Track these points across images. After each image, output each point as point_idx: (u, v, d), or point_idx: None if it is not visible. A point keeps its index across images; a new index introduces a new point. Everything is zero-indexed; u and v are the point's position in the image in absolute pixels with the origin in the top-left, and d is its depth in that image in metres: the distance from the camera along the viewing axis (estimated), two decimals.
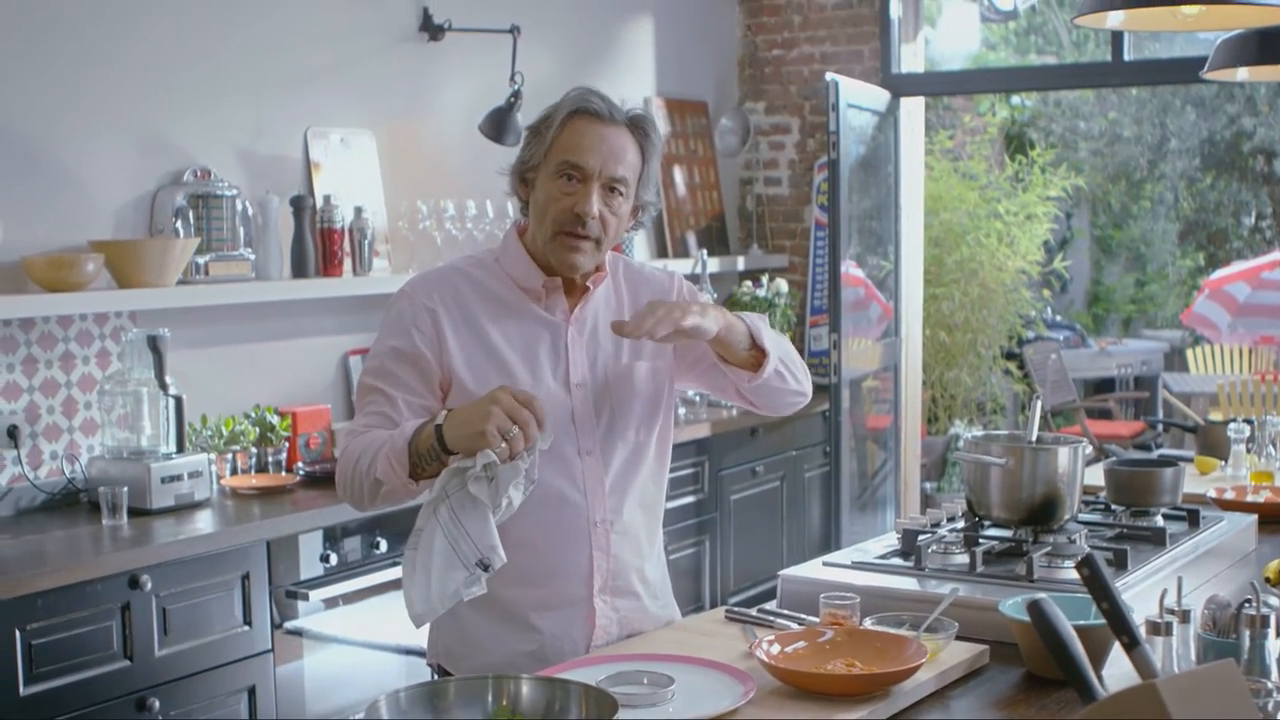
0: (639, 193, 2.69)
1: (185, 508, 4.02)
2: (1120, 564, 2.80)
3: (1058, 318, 13.69)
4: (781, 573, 2.89)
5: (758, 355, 2.65)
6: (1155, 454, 4.48)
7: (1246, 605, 2.13)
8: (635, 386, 2.74)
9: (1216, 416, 7.67)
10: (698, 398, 6.01)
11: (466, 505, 2.33)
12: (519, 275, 2.70)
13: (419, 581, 2.33)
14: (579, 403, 2.68)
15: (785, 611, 2.70)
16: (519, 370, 2.64)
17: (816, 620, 2.56)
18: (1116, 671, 2.26)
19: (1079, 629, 1.99)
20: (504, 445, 2.30)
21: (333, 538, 4.08)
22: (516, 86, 5.22)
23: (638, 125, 2.66)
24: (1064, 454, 2.92)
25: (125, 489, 3.88)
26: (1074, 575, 2.50)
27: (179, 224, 4.31)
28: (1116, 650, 2.17)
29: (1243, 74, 3.87)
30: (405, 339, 2.64)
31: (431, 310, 2.65)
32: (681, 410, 5.83)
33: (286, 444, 4.55)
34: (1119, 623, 1.96)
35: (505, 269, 2.72)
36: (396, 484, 2.49)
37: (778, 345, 2.70)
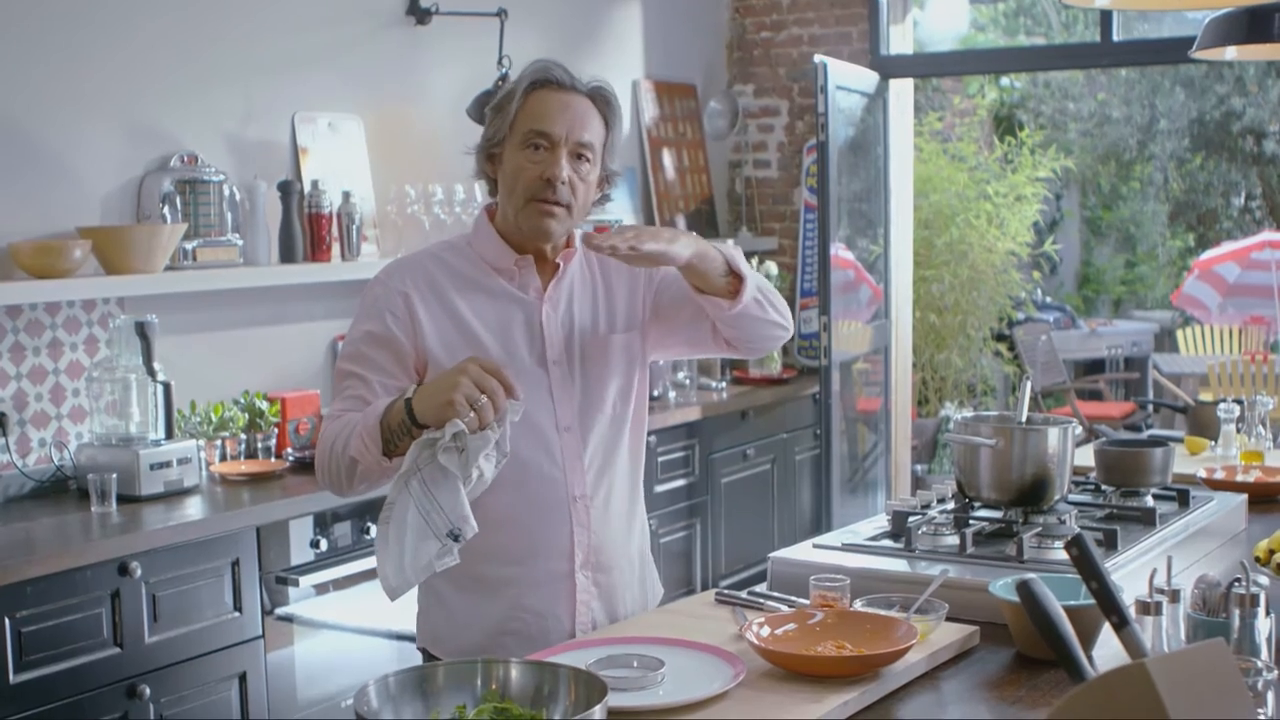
0: (604, 161, 2.70)
1: (174, 494, 4.01)
2: (1110, 544, 2.81)
3: (1048, 299, 13.69)
4: (772, 555, 2.88)
5: (734, 282, 2.63)
6: (1145, 434, 4.48)
7: (1236, 584, 2.13)
8: (610, 361, 2.75)
9: (1206, 397, 7.66)
10: (688, 380, 6.01)
11: (437, 477, 2.32)
12: (491, 256, 2.72)
13: (392, 554, 2.33)
14: (556, 379, 2.69)
15: (775, 594, 2.70)
16: (494, 349, 2.65)
17: (807, 602, 2.56)
18: (1107, 652, 2.26)
19: (1069, 609, 1.99)
20: (472, 415, 2.30)
21: (323, 523, 4.07)
22: (504, 70, 5.21)
23: (599, 95, 2.68)
24: (1054, 434, 2.92)
25: (114, 476, 3.87)
26: (1064, 556, 2.50)
27: (166, 210, 4.30)
28: (1107, 630, 2.17)
29: (1231, 53, 3.86)
30: (379, 323, 2.66)
31: (404, 294, 2.66)
32: (672, 394, 5.83)
33: (275, 430, 4.54)
34: (1108, 602, 1.96)
35: (477, 250, 2.74)
36: (370, 462, 2.49)
37: (754, 275, 2.69)
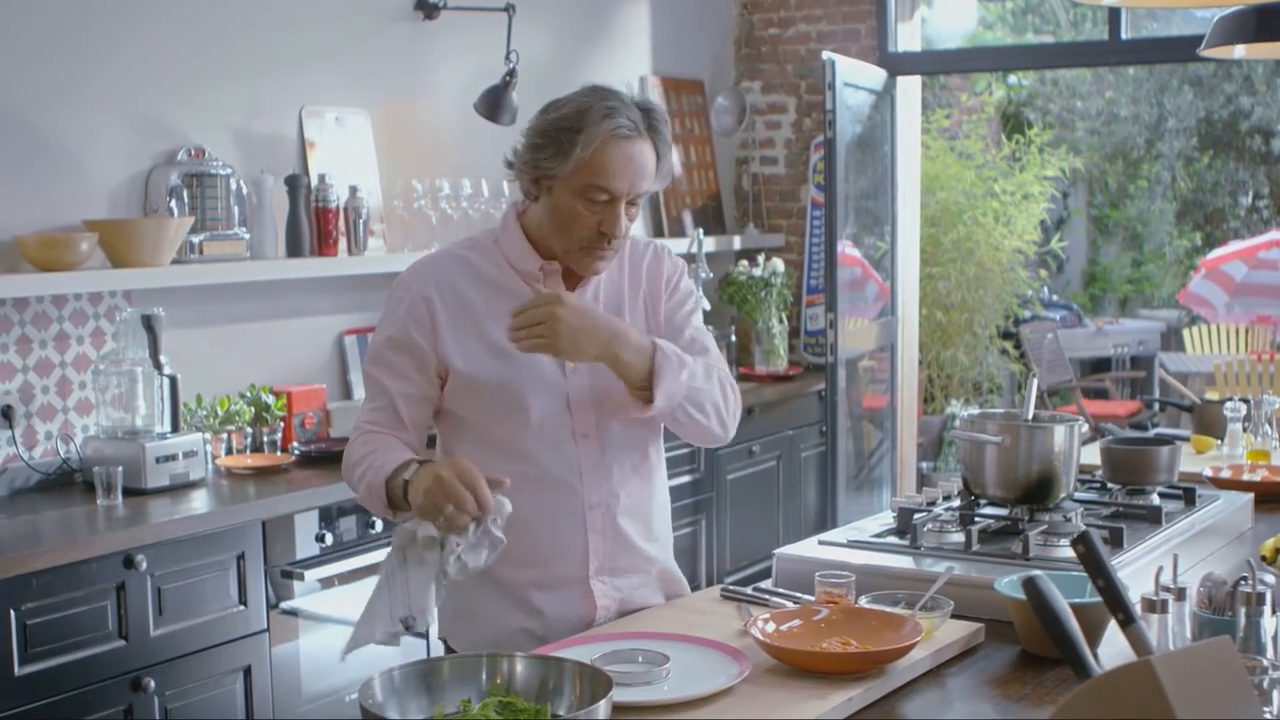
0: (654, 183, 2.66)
1: (180, 487, 4.01)
2: (1116, 542, 2.80)
3: (1054, 297, 13.69)
4: (777, 551, 2.89)
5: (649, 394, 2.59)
6: (1151, 433, 4.48)
7: (1242, 583, 2.13)
8: None
9: (1213, 396, 7.65)
10: None
11: (422, 560, 2.34)
12: (516, 258, 2.69)
13: (362, 614, 2.36)
14: (574, 387, 2.67)
15: (781, 590, 2.70)
16: (515, 355, 2.62)
17: (812, 599, 2.56)
18: (1112, 650, 2.25)
19: (1074, 606, 1.99)
20: (443, 520, 2.31)
21: (328, 517, 4.07)
22: (512, 65, 5.20)
23: (653, 127, 2.60)
24: (1060, 432, 2.92)
25: (120, 469, 3.87)
26: (1070, 553, 2.50)
27: (173, 203, 4.30)
28: (1113, 628, 2.17)
29: (1240, 51, 3.86)
30: (401, 329, 2.67)
31: (427, 299, 2.65)
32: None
33: (282, 424, 4.54)
34: (1114, 600, 1.96)
35: (503, 251, 2.71)
36: (377, 510, 2.57)
37: (690, 391, 2.63)
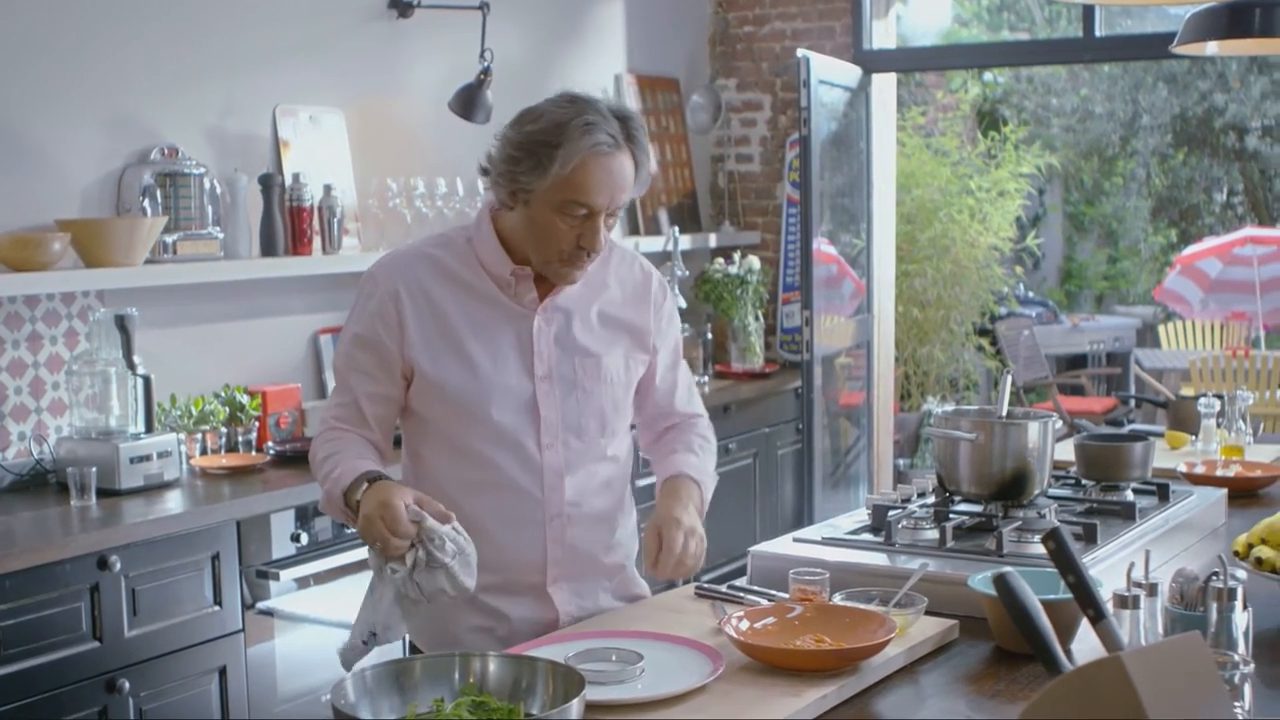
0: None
1: (154, 488, 3.99)
2: (1090, 538, 2.81)
3: (1030, 294, 13.72)
4: (751, 549, 2.89)
5: None
6: (1126, 429, 4.49)
7: (1214, 578, 2.13)
8: (604, 378, 2.71)
9: (1187, 392, 7.69)
10: None
11: (387, 579, 2.40)
12: (488, 261, 2.66)
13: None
14: (542, 395, 2.65)
15: (755, 588, 2.70)
16: (481, 361, 2.62)
17: (786, 596, 2.56)
18: (1085, 646, 2.26)
19: (1046, 603, 2.00)
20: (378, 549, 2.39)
21: (304, 517, 4.06)
22: (486, 64, 5.20)
23: (631, 137, 2.56)
24: (1033, 429, 2.93)
25: (94, 469, 3.86)
26: (1043, 550, 2.50)
27: (146, 203, 4.28)
28: (1086, 625, 2.18)
29: (1212, 48, 3.87)
30: (368, 326, 2.65)
31: (395, 296, 2.63)
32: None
33: (256, 423, 4.53)
34: (1085, 595, 1.96)
35: (476, 251, 2.68)
36: (337, 518, 2.63)
37: (712, 476, 2.91)
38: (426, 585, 2.36)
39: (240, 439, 4.48)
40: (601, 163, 2.51)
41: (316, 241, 4.77)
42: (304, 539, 4.05)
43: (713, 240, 6.80)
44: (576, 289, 2.70)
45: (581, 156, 2.49)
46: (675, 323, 2.87)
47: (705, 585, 2.74)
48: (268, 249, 4.65)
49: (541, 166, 2.50)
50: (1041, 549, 2.65)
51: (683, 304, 6.12)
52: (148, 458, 4.00)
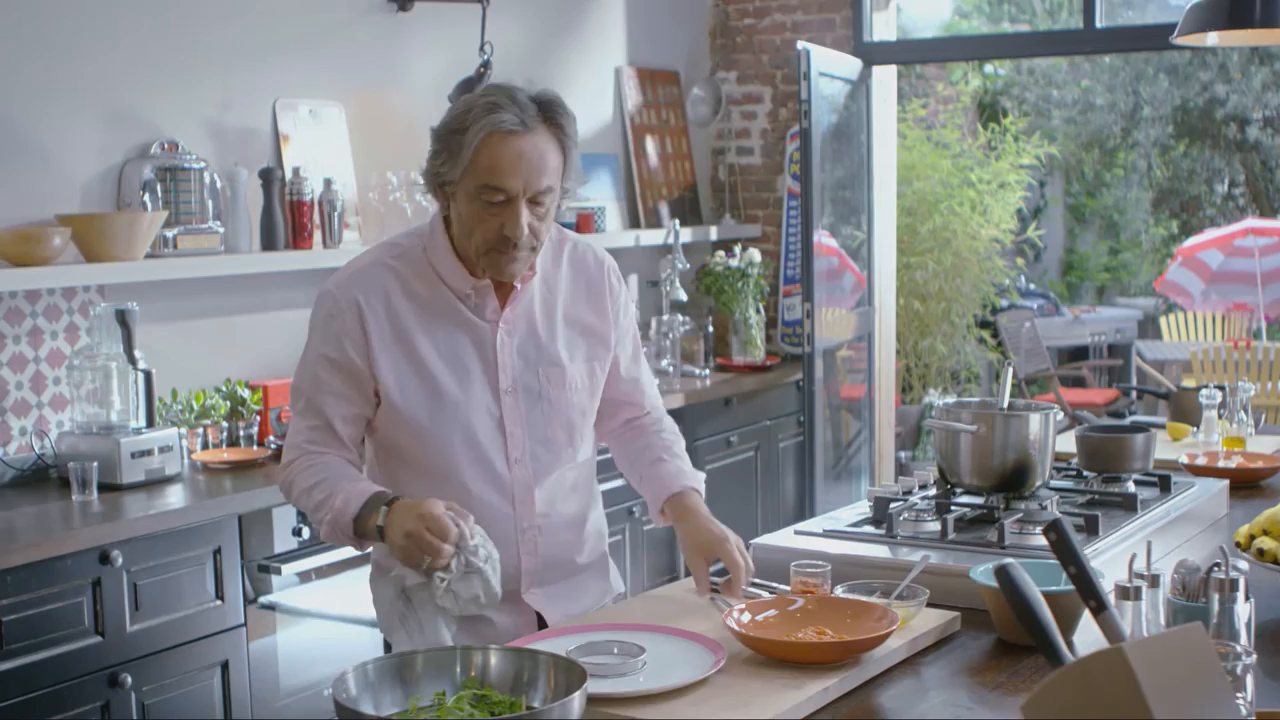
0: (564, 183, 2.58)
1: (156, 482, 4.00)
2: (1092, 530, 2.81)
3: (1031, 286, 13.72)
4: (753, 541, 2.89)
5: None
6: (1128, 420, 4.49)
7: (1216, 569, 2.13)
8: (569, 387, 2.71)
9: (1189, 383, 7.68)
10: (671, 368, 6.00)
11: (423, 601, 2.44)
12: (446, 273, 2.63)
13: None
14: (508, 409, 2.64)
15: (757, 580, 2.69)
16: (445, 381, 2.60)
17: (788, 589, 2.56)
18: (1087, 637, 2.26)
19: (1049, 595, 2.00)
20: (425, 566, 2.38)
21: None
22: (486, 56, 5.20)
23: (553, 121, 2.53)
24: (1035, 420, 2.93)
25: (95, 464, 3.86)
26: (1045, 541, 2.50)
27: (147, 197, 4.28)
28: (1088, 616, 2.17)
29: (1213, 39, 3.86)
30: (336, 346, 2.60)
31: (359, 310, 2.58)
32: (656, 380, 5.82)
33: (258, 418, 4.52)
34: (1086, 587, 1.96)
35: (432, 262, 2.64)
36: (343, 545, 2.60)
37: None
38: (463, 593, 2.37)
39: (241, 433, 4.48)
40: (508, 143, 2.47)
41: (317, 235, 4.77)
42: (305, 533, 4.05)
43: (713, 233, 6.79)
44: (535, 292, 2.68)
45: (484, 136, 2.46)
46: (630, 310, 2.85)
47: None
48: (268, 243, 4.65)
49: (453, 154, 2.50)
50: (1043, 541, 2.66)
51: (683, 297, 6.13)
52: (149, 452, 4.00)
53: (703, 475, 2.85)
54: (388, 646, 2.74)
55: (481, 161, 2.48)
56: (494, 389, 2.63)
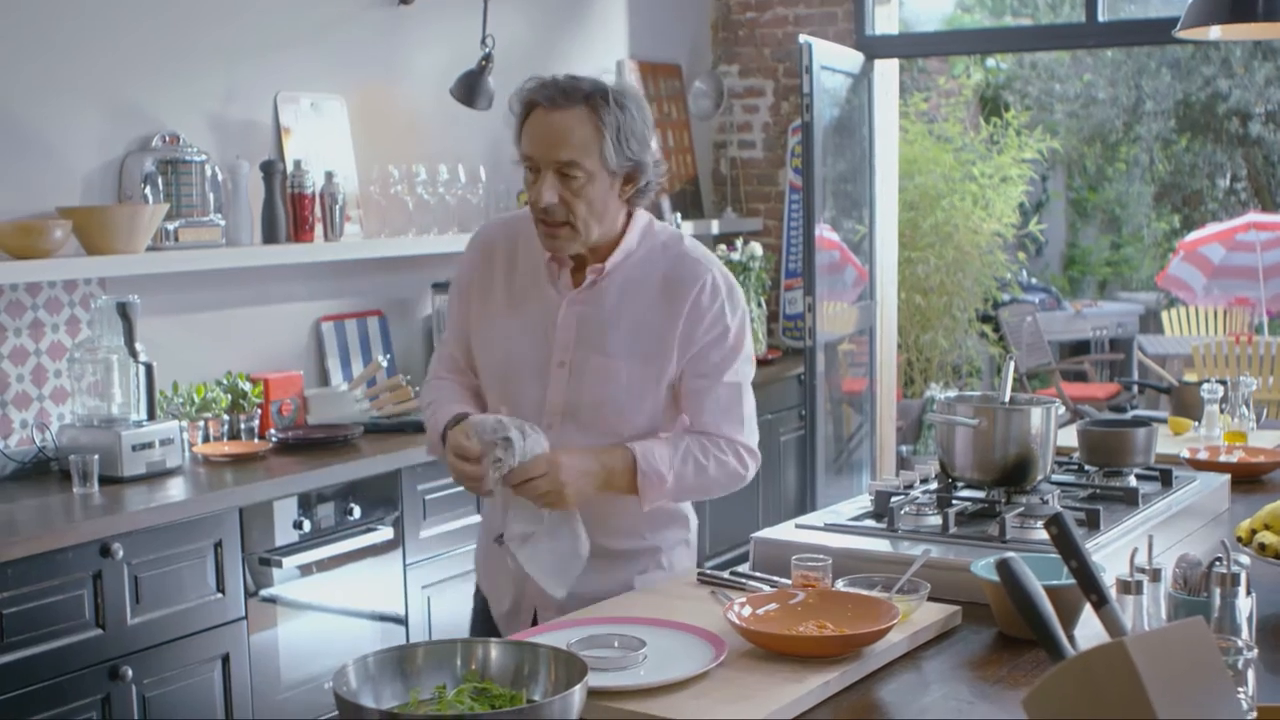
0: (605, 165, 2.64)
1: (157, 475, 3.99)
2: (1093, 524, 2.81)
3: (1033, 280, 13.71)
4: (754, 535, 2.89)
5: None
6: (1129, 415, 4.49)
7: (1217, 564, 2.13)
8: (614, 381, 2.73)
9: (1191, 378, 7.68)
10: None
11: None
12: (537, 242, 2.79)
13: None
14: (554, 381, 2.74)
15: (757, 574, 2.70)
16: (508, 336, 2.78)
17: (788, 582, 2.55)
18: (1089, 631, 2.26)
19: (1050, 589, 1.99)
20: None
21: (306, 504, 4.06)
22: (488, 50, 5.19)
23: (591, 100, 2.63)
24: (1036, 414, 2.92)
25: (96, 457, 3.85)
26: (1046, 535, 2.50)
27: (148, 190, 4.28)
28: (1089, 610, 2.17)
29: (1215, 32, 3.86)
30: (459, 279, 2.91)
31: (481, 255, 2.86)
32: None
33: (259, 411, 4.52)
34: (1087, 581, 1.96)
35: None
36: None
37: (680, 492, 2.80)
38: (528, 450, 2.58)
39: (242, 426, 4.48)
40: (538, 115, 2.66)
41: (318, 228, 4.76)
42: (306, 526, 4.05)
43: (715, 227, 6.79)
44: (616, 284, 2.75)
45: (521, 109, 2.69)
46: (715, 331, 2.77)
47: (708, 572, 2.74)
48: (269, 236, 4.64)
49: (515, 131, 2.72)
50: (1044, 535, 2.65)
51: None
52: (150, 445, 3.99)
53: (670, 472, 2.73)
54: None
55: (523, 135, 2.69)
56: (546, 358, 2.76)
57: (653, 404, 2.77)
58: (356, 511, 4.19)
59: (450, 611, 4.46)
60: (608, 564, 2.79)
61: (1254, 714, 1.87)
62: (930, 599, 2.46)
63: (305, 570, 4.04)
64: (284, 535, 4.01)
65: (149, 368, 4.09)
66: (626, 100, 2.67)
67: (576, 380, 2.73)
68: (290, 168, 4.71)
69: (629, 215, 2.77)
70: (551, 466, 2.59)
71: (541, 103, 2.64)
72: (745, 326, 2.82)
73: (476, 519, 4.55)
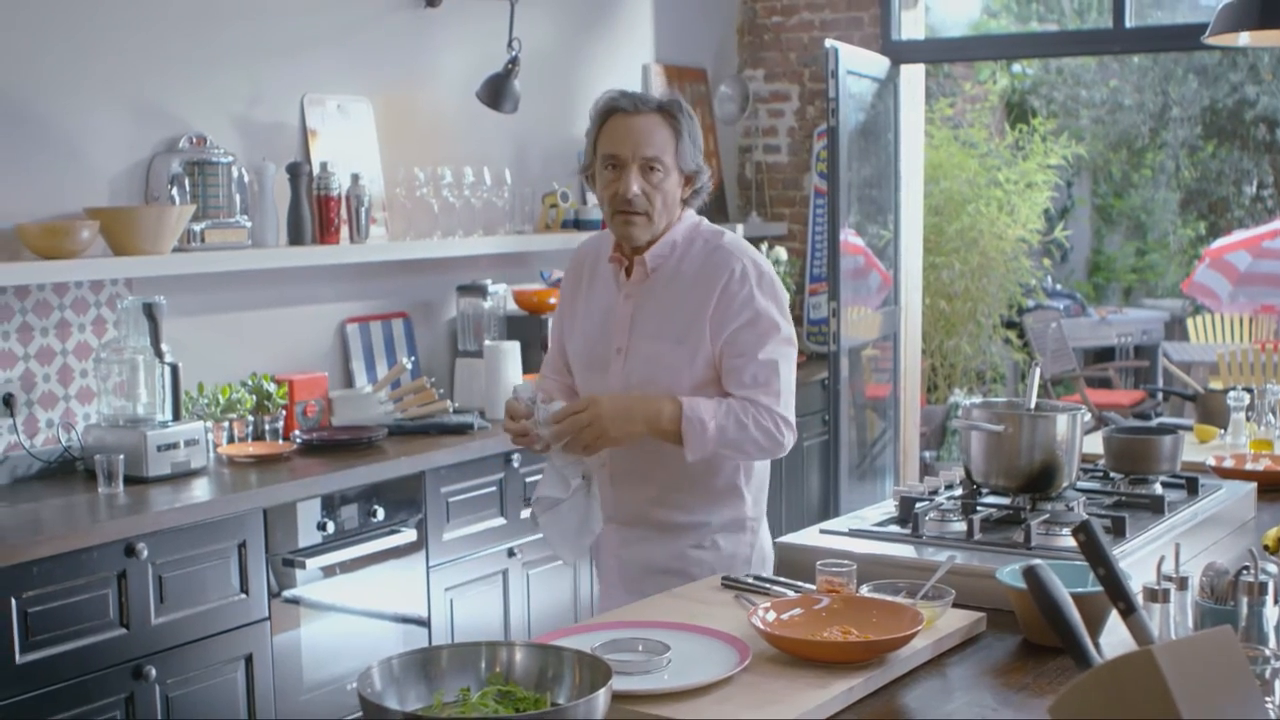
0: (680, 164, 3.06)
1: (181, 476, 4.00)
2: (1119, 531, 2.80)
3: (1058, 286, 13.67)
4: (778, 540, 2.89)
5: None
6: (1154, 422, 4.47)
7: (1244, 572, 2.12)
8: (660, 364, 3.05)
9: (1216, 385, 7.65)
10: None
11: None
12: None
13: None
14: (615, 366, 3.10)
15: (782, 579, 2.69)
16: (586, 329, 3.17)
17: (813, 588, 2.55)
18: (1114, 639, 2.25)
19: (1076, 596, 1.98)
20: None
21: (330, 506, 4.07)
22: (514, 53, 5.19)
23: (665, 109, 3.05)
24: (1062, 421, 2.92)
25: (121, 457, 3.87)
26: (1072, 543, 2.49)
27: (175, 191, 4.29)
28: (1115, 618, 2.17)
29: (1244, 39, 3.84)
30: (564, 282, 3.33)
31: (576, 266, 3.27)
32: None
33: (283, 412, 4.53)
34: (1115, 588, 1.95)
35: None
36: None
37: (720, 444, 2.98)
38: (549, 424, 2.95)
39: (267, 427, 4.48)
40: (619, 119, 3.05)
41: (344, 230, 4.77)
42: (330, 528, 4.06)
43: (740, 231, 6.78)
44: (664, 275, 3.10)
45: (603, 118, 3.07)
46: (745, 314, 3.03)
47: (731, 576, 2.73)
48: (295, 238, 4.65)
49: (590, 142, 3.12)
50: (1070, 542, 2.65)
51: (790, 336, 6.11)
52: (175, 445, 4.01)
53: (713, 423, 2.96)
54: None
55: (603, 138, 3.06)
56: (609, 347, 3.13)
57: (693, 383, 3.04)
58: (380, 513, 4.19)
59: (473, 614, 4.46)
60: (660, 535, 3.11)
61: None
62: (955, 605, 2.45)
63: (328, 571, 4.05)
64: (308, 537, 4.01)
65: (174, 368, 4.10)
66: (687, 114, 3.10)
67: (630, 365, 3.08)
68: (316, 169, 4.72)
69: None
70: (592, 403, 2.94)
71: (624, 108, 3.04)
72: (778, 309, 3.07)
73: (500, 522, 4.57)
